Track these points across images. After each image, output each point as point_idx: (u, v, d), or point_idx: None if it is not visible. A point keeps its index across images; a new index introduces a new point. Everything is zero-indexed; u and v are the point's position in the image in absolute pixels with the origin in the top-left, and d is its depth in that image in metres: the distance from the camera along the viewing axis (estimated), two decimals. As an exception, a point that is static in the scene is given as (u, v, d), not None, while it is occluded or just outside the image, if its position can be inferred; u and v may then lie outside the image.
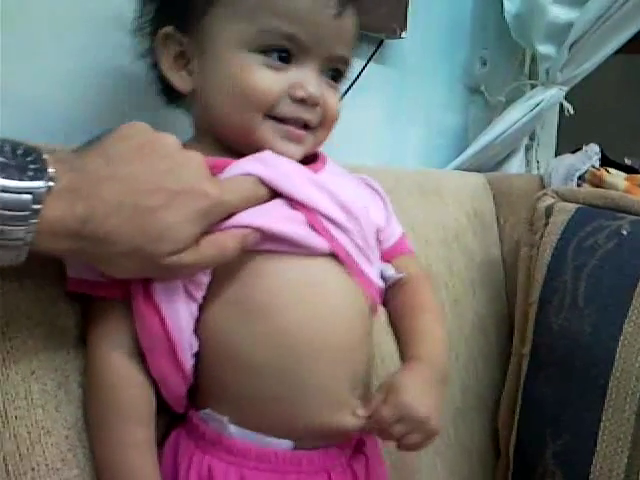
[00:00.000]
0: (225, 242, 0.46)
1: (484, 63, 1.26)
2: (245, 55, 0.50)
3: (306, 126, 0.53)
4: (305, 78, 0.51)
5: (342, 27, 0.52)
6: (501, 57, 1.26)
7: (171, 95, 0.57)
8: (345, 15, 0.52)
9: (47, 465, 0.45)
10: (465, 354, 0.90)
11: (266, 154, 0.51)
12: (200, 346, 0.49)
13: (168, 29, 0.53)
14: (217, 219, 0.46)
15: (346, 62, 0.55)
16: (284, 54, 0.51)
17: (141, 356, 0.48)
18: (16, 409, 0.45)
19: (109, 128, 0.45)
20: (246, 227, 0.47)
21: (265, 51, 0.50)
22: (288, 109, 0.51)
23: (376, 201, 0.61)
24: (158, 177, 0.42)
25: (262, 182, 0.49)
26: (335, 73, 0.55)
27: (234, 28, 0.50)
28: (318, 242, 0.50)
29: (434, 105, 1.19)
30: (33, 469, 0.44)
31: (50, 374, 0.47)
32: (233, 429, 0.49)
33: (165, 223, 0.42)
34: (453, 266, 0.94)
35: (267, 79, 0.50)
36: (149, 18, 0.56)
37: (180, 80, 0.54)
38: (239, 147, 0.52)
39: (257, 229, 0.47)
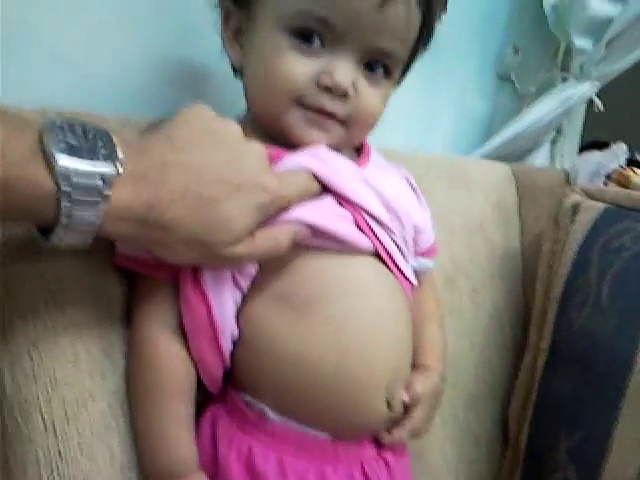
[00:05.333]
0: (279, 236, 0.47)
1: (517, 51, 1.24)
2: (279, 35, 0.49)
3: (334, 117, 0.51)
4: (335, 66, 0.49)
5: (387, 18, 0.49)
6: (534, 47, 1.24)
7: (234, 68, 0.57)
8: (393, 6, 0.49)
9: (92, 431, 0.46)
10: (481, 344, 0.91)
11: (320, 149, 0.51)
12: (239, 333, 0.50)
13: (228, 4, 0.54)
14: (273, 212, 0.46)
15: (392, 56, 0.52)
16: (315, 38, 0.49)
17: (183, 334, 0.49)
18: (64, 375, 0.46)
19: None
20: (298, 222, 0.48)
21: (298, 33, 0.49)
22: (314, 98, 0.50)
23: (416, 199, 0.62)
24: (221, 168, 0.43)
25: (315, 177, 0.49)
26: (380, 68, 0.52)
27: (277, 6, 0.50)
28: (363, 241, 0.51)
29: (464, 90, 1.18)
30: (79, 433, 0.45)
31: (96, 342, 0.48)
32: (273, 415, 0.50)
33: (225, 214, 0.42)
34: (474, 256, 0.94)
35: (295, 64, 0.49)
36: None
37: (234, 55, 0.55)
38: (269, 130, 0.52)
39: (309, 225, 0.48)
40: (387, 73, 0.53)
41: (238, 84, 0.57)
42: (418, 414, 0.55)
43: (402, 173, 0.62)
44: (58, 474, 0.43)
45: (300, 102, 0.50)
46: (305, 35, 0.49)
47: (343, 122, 0.52)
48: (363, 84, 0.52)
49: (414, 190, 0.62)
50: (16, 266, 0.46)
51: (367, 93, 0.52)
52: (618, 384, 0.70)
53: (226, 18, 0.54)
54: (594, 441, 0.69)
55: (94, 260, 0.49)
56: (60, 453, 0.44)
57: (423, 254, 0.62)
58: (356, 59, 0.51)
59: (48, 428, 0.44)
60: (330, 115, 0.51)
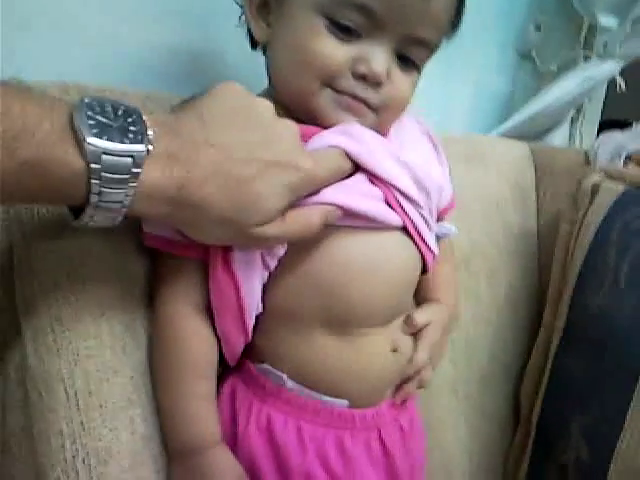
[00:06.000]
0: (311, 218, 0.46)
1: (538, 28, 1.22)
2: (316, 18, 0.48)
3: (366, 104, 0.51)
4: (372, 54, 0.49)
5: (431, 8, 0.48)
6: (557, 24, 1.21)
7: (253, 42, 0.56)
8: None
9: (114, 403, 0.47)
10: (496, 323, 0.91)
11: (352, 126, 0.50)
12: (263, 308, 0.51)
13: None
14: (305, 192, 0.46)
15: (427, 46, 0.51)
16: (354, 26, 0.48)
17: (207, 312, 0.50)
18: (87, 348, 0.46)
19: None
20: (330, 204, 0.48)
21: (336, 19, 0.48)
22: (347, 83, 0.49)
23: (436, 156, 0.61)
24: (252, 146, 0.42)
25: (347, 155, 0.49)
26: (412, 56, 0.51)
27: None
28: (392, 218, 0.52)
29: (484, 68, 1.16)
30: (101, 406, 0.46)
31: (118, 316, 0.49)
32: (291, 384, 0.51)
33: (256, 194, 0.42)
34: (491, 236, 0.94)
35: (331, 48, 0.48)
36: None
37: (258, 30, 0.53)
38: (296, 112, 0.51)
39: (341, 207, 0.48)
40: (418, 60, 0.52)
41: (256, 64, 0.56)
42: (425, 344, 0.57)
43: (422, 129, 0.61)
44: (81, 445, 0.44)
45: (331, 85, 0.49)
46: (343, 22, 0.48)
47: (374, 109, 0.51)
48: (396, 72, 0.51)
49: (434, 145, 0.61)
50: (39, 243, 0.46)
51: (400, 81, 0.51)
52: (633, 366, 0.70)
53: None
54: (607, 421, 0.70)
55: (116, 238, 0.50)
56: (83, 425, 0.45)
57: (444, 211, 0.62)
58: (391, 47, 0.50)
59: (71, 400, 0.45)
60: (361, 100, 0.50)
